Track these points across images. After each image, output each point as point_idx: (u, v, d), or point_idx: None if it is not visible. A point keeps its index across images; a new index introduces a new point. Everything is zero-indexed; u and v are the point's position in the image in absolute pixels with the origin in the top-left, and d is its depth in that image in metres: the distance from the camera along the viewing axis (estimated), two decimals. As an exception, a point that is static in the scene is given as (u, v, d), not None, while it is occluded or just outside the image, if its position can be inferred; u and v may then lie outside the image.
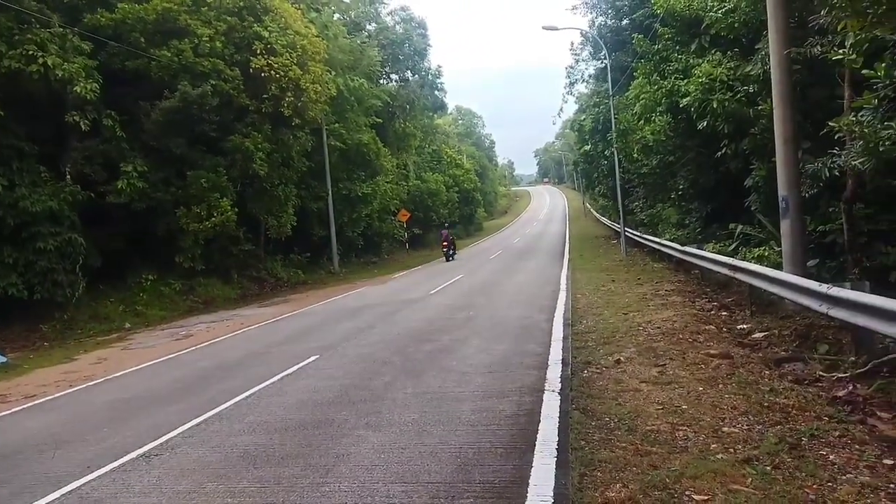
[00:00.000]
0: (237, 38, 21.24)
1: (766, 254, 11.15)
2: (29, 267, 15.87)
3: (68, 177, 17.50)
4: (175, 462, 5.49)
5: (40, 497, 4.93)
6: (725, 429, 5.05)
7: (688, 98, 13.71)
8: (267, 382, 8.22)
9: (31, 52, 15.19)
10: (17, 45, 15.16)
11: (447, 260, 31.22)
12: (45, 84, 15.71)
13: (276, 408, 6.96)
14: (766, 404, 5.54)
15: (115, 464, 5.58)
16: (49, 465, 5.81)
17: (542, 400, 6.19)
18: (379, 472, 4.76)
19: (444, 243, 32.27)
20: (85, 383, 9.94)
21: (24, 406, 8.78)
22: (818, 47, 9.10)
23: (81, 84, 16.00)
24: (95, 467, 5.53)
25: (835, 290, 6.27)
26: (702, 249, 13.60)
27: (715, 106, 12.72)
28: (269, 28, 21.45)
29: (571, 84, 41.19)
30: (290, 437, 5.86)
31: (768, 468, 4.23)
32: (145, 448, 5.94)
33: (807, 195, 9.55)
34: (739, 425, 5.11)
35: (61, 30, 16.45)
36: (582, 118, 36.83)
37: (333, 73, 26.78)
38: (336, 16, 33.03)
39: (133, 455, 5.78)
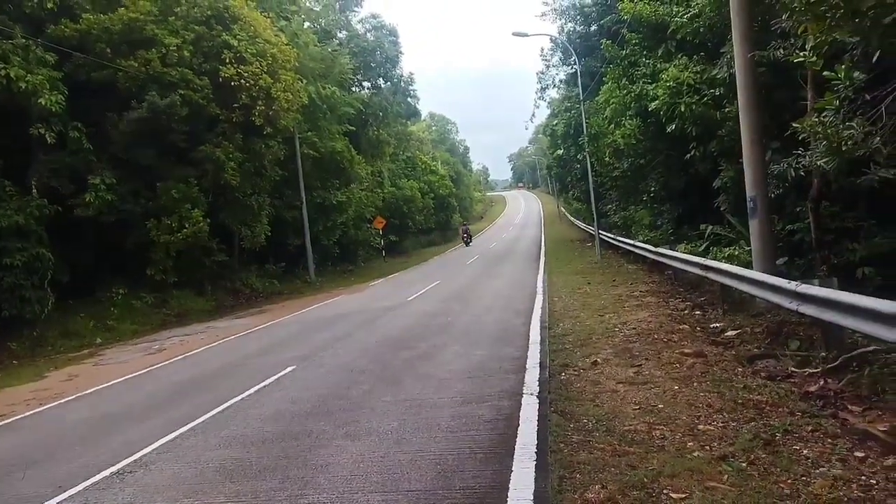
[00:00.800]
0: (206, 47, 21.02)
1: (737, 253, 11.35)
2: (-5, 284, 15.46)
3: (34, 191, 17.11)
4: (149, 479, 5.38)
5: (9, 520, 4.79)
6: (701, 426, 5.12)
7: (656, 102, 13.92)
8: (243, 395, 8.11)
9: (-8, 65, 14.91)
10: (-23, 58, 14.87)
11: (466, 245, 46.44)
12: (8, 96, 15.38)
13: (252, 420, 6.86)
14: (740, 401, 5.62)
15: (88, 482, 5.45)
16: (19, 487, 5.65)
17: (521, 404, 6.21)
18: (358, 481, 4.72)
19: (465, 235, 49.20)
20: (55, 401, 9.70)
21: (-9, 427, 8.54)
22: (781, 50, 9.31)
23: (46, 96, 15.71)
24: (67, 487, 5.39)
25: (803, 288, 6.40)
26: (674, 250, 13.79)
27: (683, 109, 12.95)
28: (238, 37, 21.26)
29: (543, 89, 41.48)
30: (267, 449, 5.78)
31: (744, 464, 4.29)
32: (118, 465, 5.81)
33: (774, 195, 9.76)
34: (715, 423, 5.18)
35: (24, 41, 16.13)
36: (554, 123, 37.15)
37: (305, 81, 26.61)
38: (306, 24, 32.90)
39: (106, 473, 5.65)
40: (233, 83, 20.71)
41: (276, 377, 8.98)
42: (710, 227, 13.65)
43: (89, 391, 10.17)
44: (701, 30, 12.77)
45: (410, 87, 48.72)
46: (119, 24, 18.87)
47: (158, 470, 5.59)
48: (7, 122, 16.53)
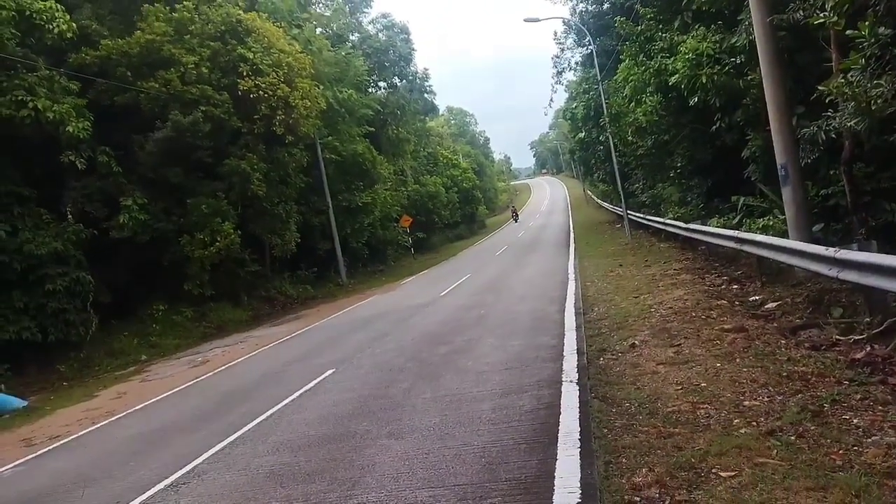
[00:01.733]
0: (222, 62, 21.32)
1: (771, 223, 11.10)
2: (40, 309, 15.96)
3: (70, 216, 17.60)
4: (203, 489, 5.52)
5: (73, 537, 4.97)
6: (746, 402, 5.05)
7: (676, 75, 13.67)
8: (286, 400, 8.26)
9: (20, 98, 15.29)
10: (5, 92, 15.27)
11: (515, 222, 57.66)
12: (38, 127, 15.81)
13: (297, 425, 6.99)
14: (784, 374, 5.52)
15: (144, 496, 5.62)
16: (79, 505, 5.85)
17: (561, 392, 6.20)
18: (405, 479, 4.77)
19: (513, 213, 62.67)
20: (107, 419, 10.00)
21: (50, 447, 8.83)
22: (801, 12, 9.05)
23: (73, 123, 16.10)
24: (125, 502, 5.56)
25: (842, 253, 6.25)
26: (706, 225, 13.56)
27: (704, 80, 12.68)
28: (252, 49, 21.51)
29: (559, 73, 41.11)
30: (314, 453, 5.88)
31: (793, 438, 4.22)
32: (172, 478, 5.98)
33: (807, 161, 9.51)
34: (760, 398, 5.10)
35: (48, 72, 16.55)
36: (573, 106, 36.76)
37: (321, 86, 26.81)
38: (318, 30, 33.09)
39: (161, 486, 5.82)
40: (252, 95, 20.98)
41: (316, 381, 9.11)
42: (742, 198, 13.38)
43: (139, 407, 10.46)
44: (717, -2, 12.48)
45: (426, 84, 48.77)
46: (137, 46, 19.25)
47: (211, 479, 5.74)
48: (38, 152, 17.02)
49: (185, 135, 19.28)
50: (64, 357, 16.64)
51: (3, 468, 8.04)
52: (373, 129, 34.54)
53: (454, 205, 55.49)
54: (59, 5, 16.23)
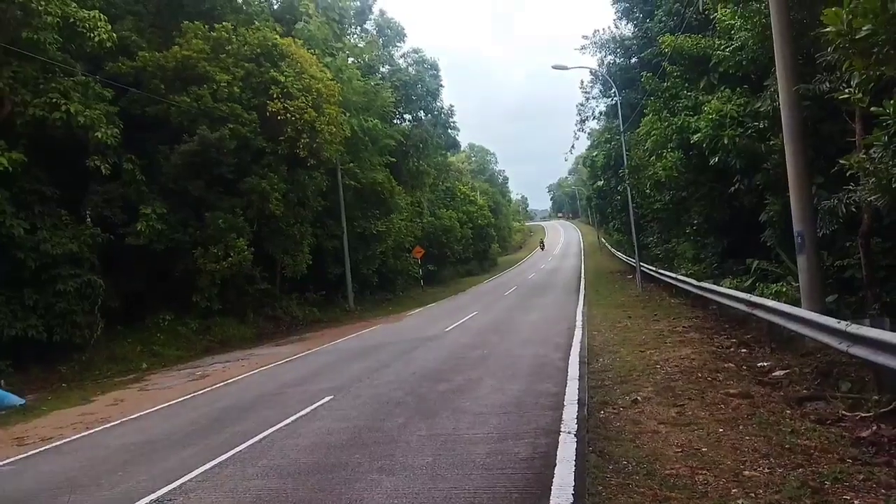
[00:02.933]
0: (254, 82, 21.81)
1: (784, 289, 11.02)
2: (49, 309, 16.07)
3: (88, 220, 17.86)
4: (188, 508, 5.45)
5: (53, 544, 4.91)
6: (746, 472, 4.94)
7: (699, 134, 13.78)
8: (281, 424, 8.19)
9: (54, 100, 15.68)
10: (41, 94, 15.67)
11: (542, 249, 66.41)
12: (68, 130, 16.16)
13: (289, 450, 6.92)
14: (787, 446, 5.42)
15: (129, 510, 5.55)
16: (63, 511, 5.80)
17: (559, 442, 6.10)
18: (392, 518, 4.69)
19: (541, 244, 68.84)
20: (101, 425, 9.96)
21: (41, 449, 8.80)
22: (826, 84, 9.15)
23: (102, 130, 16.44)
24: (109, 513, 5.50)
25: (854, 328, 6.18)
26: (719, 285, 13.48)
27: (726, 142, 12.77)
28: (285, 73, 22.01)
29: (583, 121, 41.50)
30: (302, 481, 5.81)
31: (791, 514, 4.12)
32: (158, 493, 5.91)
33: (825, 231, 9.46)
34: (760, 468, 4.99)
35: (84, 78, 17.01)
36: (594, 154, 37.07)
37: (348, 114, 27.30)
38: (350, 59, 33.82)
39: (146, 500, 5.75)
40: (279, 117, 21.38)
41: (312, 407, 9.05)
42: (757, 261, 13.31)
43: (134, 416, 10.42)
44: (744, 62, 12.66)
45: (450, 119, 49.56)
46: (173, 61, 19.78)
47: (197, 499, 5.67)
48: (65, 154, 17.37)
49: (210, 150, 19.63)
50: (66, 358, 16.67)
51: (-7, 466, 8.00)
52: (394, 159, 34.96)
53: (467, 240, 55.62)
54: (102, 15, 16.74)
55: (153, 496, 5.85)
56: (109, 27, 16.87)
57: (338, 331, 21.53)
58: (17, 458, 8.40)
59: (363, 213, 31.84)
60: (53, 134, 16.24)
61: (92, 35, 16.33)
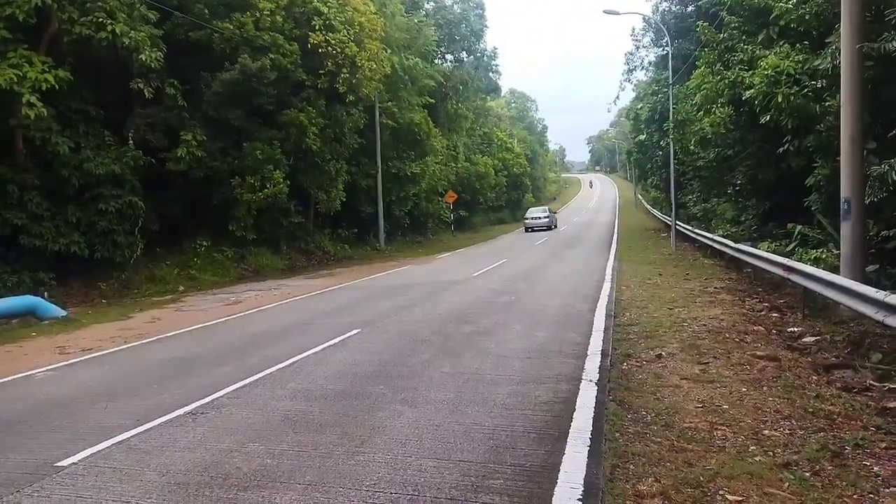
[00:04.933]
0: (297, 13, 21.50)
1: (824, 256, 10.74)
2: (91, 227, 16.61)
3: (131, 142, 18.17)
4: (220, 421, 5.72)
5: (93, 445, 5.21)
6: (766, 432, 4.95)
7: (751, 90, 13.21)
8: (309, 352, 8.44)
9: (100, 20, 15.69)
10: (88, 13, 15.69)
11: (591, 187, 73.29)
12: (113, 51, 16.27)
13: (317, 377, 7.15)
14: (810, 410, 5.39)
15: (163, 419, 5.84)
16: (101, 416, 6.12)
17: (579, 389, 6.18)
18: (412, 446, 4.86)
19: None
20: (139, 340, 10.40)
21: (82, 358, 9.25)
22: (894, 43, 8.63)
23: (147, 52, 16.48)
24: (144, 421, 5.80)
25: (892, 298, 6.03)
26: (756, 248, 13.20)
27: (780, 100, 12.23)
28: (328, 4, 21.63)
29: (630, 71, 40.10)
30: (328, 405, 6.02)
31: (807, 474, 4.14)
32: (192, 406, 6.20)
33: (873, 199, 9.12)
34: (781, 429, 4.99)
35: (130, -1, 16.97)
36: (639, 106, 36.01)
37: (389, 51, 26.85)
38: (395, -7, 32.98)
39: (180, 412, 6.04)
40: (320, 50, 21.16)
41: (340, 338, 9.28)
42: (799, 226, 12.96)
43: (170, 334, 10.85)
44: (807, 17, 11.98)
45: (493, 62, 48.49)
46: (218, -15, 19.56)
47: (228, 413, 5.94)
48: (110, 75, 17.54)
49: (251, 79, 19.60)
50: (106, 276, 17.31)
51: (37, 371, 8.46)
52: (433, 100, 34.47)
53: (501, 188, 55.18)
54: (148, -65, 16.55)
55: (187, 408, 6.14)
56: (156, -53, 16.70)
57: (368, 268, 21.83)
58: (59, 364, 8.85)
59: (398, 154, 31.72)
60: (98, 54, 16.38)
61: (139, -46, 16.20)
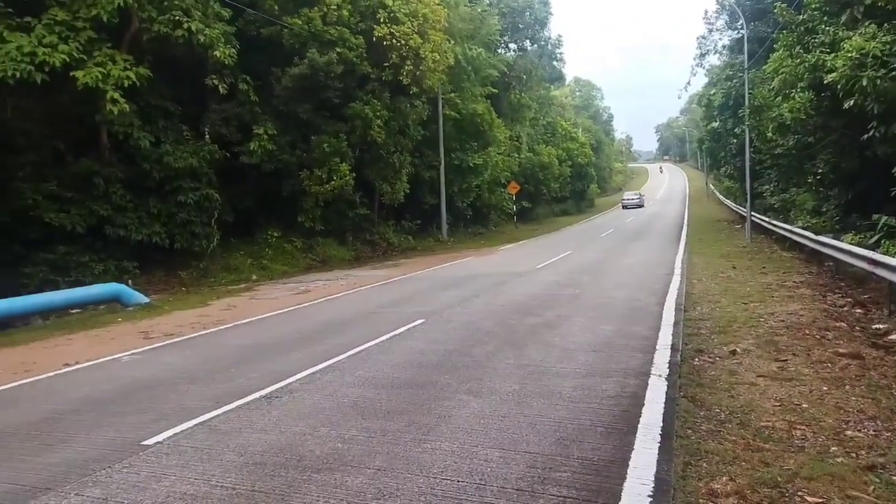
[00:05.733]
0: (363, 6, 21.81)
1: (914, 249, 10.10)
2: (171, 218, 17.45)
3: (207, 136, 18.94)
4: (293, 405, 5.94)
5: (176, 425, 5.51)
6: (849, 432, 4.72)
7: (834, 74, 12.49)
8: (376, 340, 8.62)
9: (177, 18, 16.32)
10: (165, 11, 16.34)
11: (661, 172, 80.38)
12: (189, 48, 16.93)
13: (383, 365, 7.30)
14: (898, 411, 5.10)
15: (240, 402, 6.11)
16: (183, 398, 6.46)
17: (648, 384, 6.06)
18: (478, 436, 4.90)
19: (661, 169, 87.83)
20: (217, 327, 10.88)
21: (164, 343, 9.76)
22: None
23: (221, 49, 17.08)
24: (223, 403, 6.08)
25: None
26: (839, 240, 12.54)
27: (865, 84, 11.52)
28: (393, -4, 21.82)
29: (702, 56, 38.72)
30: (395, 393, 6.14)
31: (895, 478, 3.93)
32: (267, 390, 6.46)
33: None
34: (865, 430, 4.75)
35: (204, -3, 17.61)
36: (711, 92, 34.62)
37: (452, 41, 26.84)
38: (459, -17, 32.91)
39: (256, 395, 6.30)
40: (385, 42, 21.40)
41: (406, 328, 9.43)
42: (885, 217, 12.21)
43: (245, 321, 11.30)
44: (898, -7, 11.21)
45: (557, 51, 47.78)
46: (287, -19, 20.09)
47: (301, 398, 6.15)
48: (187, 73, 18.33)
49: (318, 73, 20.05)
50: (186, 265, 18.18)
51: (123, 354, 8.99)
52: (496, 90, 34.29)
53: (565, 179, 54.35)
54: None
55: (262, 392, 6.40)
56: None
57: (431, 259, 22.03)
58: (143, 349, 9.38)
59: (461, 145, 31.74)
60: (175, 51, 17.08)
61: (212, -46, 16.79)
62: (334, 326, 10.15)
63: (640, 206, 55.84)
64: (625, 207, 55.95)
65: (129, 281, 15.66)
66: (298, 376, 6.93)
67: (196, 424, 5.52)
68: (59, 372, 8.10)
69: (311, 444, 4.87)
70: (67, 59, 13.82)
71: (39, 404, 6.60)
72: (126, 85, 14.90)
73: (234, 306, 13.42)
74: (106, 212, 16.07)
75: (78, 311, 13.40)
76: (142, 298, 14.07)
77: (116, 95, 14.70)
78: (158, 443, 5.13)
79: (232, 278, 18.33)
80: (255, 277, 18.62)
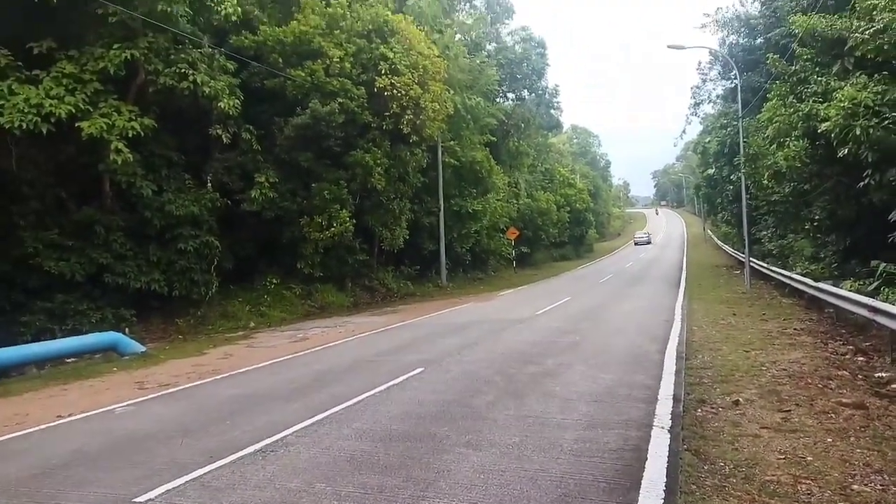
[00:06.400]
0: (364, 58, 22.34)
1: (914, 297, 10.08)
2: (170, 265, 17.45)
3: (209, 185, 19.12)
4: (288, 460, 5.82)
5: (168, 481, 5.38)
6: (856, 486, 4.62)
7: (828, 123, 12.74)
8: (374, 390, 8.51)
9: (183, 71, 16.71)
10: (171, 64, 16.75)
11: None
12: (194, 100, 17.27)
13: (381, 416, 7.19)
14: (906, 465, 5.00)
15: (235, 456, 5.99)
16: (176, 452, 6.33)
17: (650, 436, 5.96)
18: (478, 492, 4.79)
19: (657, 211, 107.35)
20: (212, 377, 10.75)
21: (159, 394, 9.62)
22: None
23: (225, 100, 17.42)
24: (217, 458, 5.96)
25: None
26: (838, 287, 12.54)
27: (858, 132, 11.75)
28: (394, 49, 22.38)
29: (697, 104, 39.43)
30: (393, 446, 6.03)
31: (907, 538, 3.82)
32: (262, 443, 6.34)
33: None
34: (872, 484, 4.66)
35: (210, 50, 18.05)
36: (707, 140, 35.21)
37: (452, 91, 27.41)
38: (458, 36, 33.85)
39: (251, 449, 6.18)
40: (386, 93, 21.82)
41: (404, 377, 9.32)
42: (884, 264, 12.23)
43: (242, 370, 11.17)
44: (885, 47, 11.56)
45: (554, 100, 48.79)
46: (291, 36, 20.65)
47: (297, 452, 6.03)
48: (191, 123, 18.64)
49: (320, 123, 20.41)
50: (184, 312, 18.09)
51: (117, 405, 8.85)
52: (494, 138, 34.84)
53: (564, 224, 54.64)
54: (229, -11, 17.63)
55: (257, 446, 6.28)
56: (235, 1, 17.72)
57: (430, 305, 21.95)
58: (137, 399, 9.23)
59: (460, 192, 32.04)
60: (181, 102, 17.41)
61: (219, 9, 17.26)
62: (332, 375, 10.04)
63: (649, 242, 67.82)
64: (636, 244, 68.37)
65: (126, 329, 15.56)
66: (294, 428, 6.81)
67: (189, 481, 5.39)
68: (51, 424, 7.96)
69: (307, 502, 4.75)
70: (73, 110, 14.09)
71: (30, 459, 6.47)
72: (130, 135, 15.13)
73: (231, 355, 13.30)
74: (106, 259, 16.08)
75: (74, 359, 13.27)
76: (138, 347, 13.95)
77: (121, 145, 14.91)
78: (150, 500, 5.00)
79: (230, 326, 18.22)
80: (252, 324, 18.51)
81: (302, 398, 8.43)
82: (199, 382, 10.33)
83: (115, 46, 15.29)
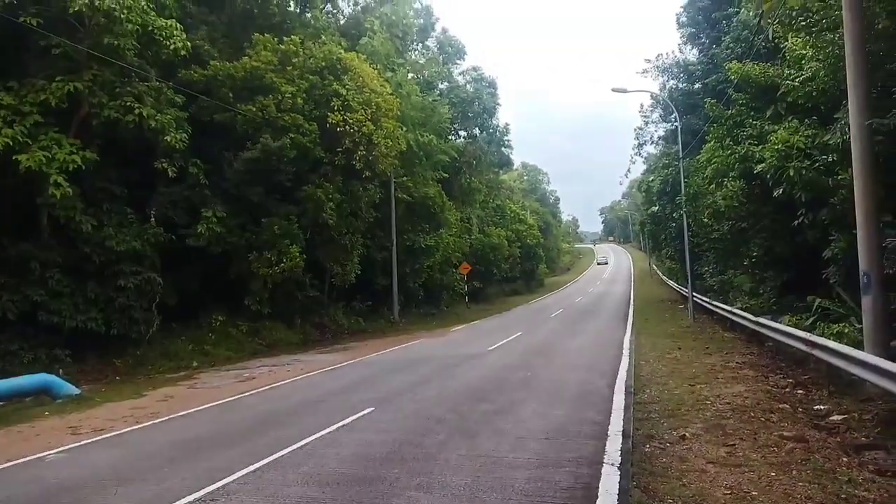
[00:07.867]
0: (317, 95, 22.37)
1: (846, 330, 10.56)
2: (109, 303, 16.73)
3: (153, 219, 18.55)
4: (229, 509, 5.55)
5: (101, 534, 5.06)
6: (799, 522, 4.71)
7: (763, 164, 13.40)
8: (322, 432, 8.27)
9: (128, 104, 16.34)
10: (117, 97, 16.37)
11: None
12: (139, 133, 16.87)
13: (329, 460, 6.97)
14: (843, 496, 5.16)
15: (173, 506, 5.69)
16: (110, 502, 5.97)
17: (601, 473, 5.97)
18: (428, 537, 4.66)
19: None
20: (151, 420, 10.25)
21: (93, 439, 9.10)
22: (903, 118, 8.77)
23: (172, 134, 17.08)
24: (154, 508, 5.65)
25: (924, 378, 5.84)
26: (777, 321, 13.00)
27: (791, 174, 12.38)
28: (347, 86, 22.50)
29: (640, 145, 41.07)
30: (341, 491, 5.84)
31: (848, 572, 3.90)
32: (202, 492, 6.04)
33: (891, 272, 9.03)
34: (815, 519, 4.75)
35: (157, 84, 17.75)
36: (650, 179, 36.44)
37: (404, 128, 27.65)
38: (410, 75, 34.32)
39: (190, 498, 5.89)
40: (338, 129, 21.85)
41: (354, 417, 9.11)
42: (819, 299, 12.79)
43: (182, 413, 10.70)
44: (814, 93, 12.29)
45: (505, 138, 49.66)
46: (242, 71, 20.52)
47: (239, 501, 5.77)
48: (135, 156, 18.16)
49: (271, 158, 20.20)
50: (122, 352, 17.29)
51: (48, 453, 8.33)
52: (447, 174, 35.18)
53: (515, 259, 55.25)
54: (178, 24, 17.47)
55: (196, 495, 5.98)
56: (185, 36, 17.53)
57: (381, 342, 21.68)
58: (70, 446, 8.71)
59: (413, 227, 32.10)
60: (125, 136, 16.97)
61: (168, 43, 17.02)
62: (279, 417, 9.73)
63: (606, 262, 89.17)
64: (598, 264, 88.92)
65: (60, 370, 14.75)
66: (237, 475, 6.53)
67: (121, 534, 5.08)
68: (-28, 475, 7.41)
69: (248, 554, 4.53)
70: (11, 143, 13.57)
71: (-55, 515, 6.00)
72: (71, 168, 14.64)
73: (172, 396, 12.74)
74: (40, 297, 15.32)
75: (2, 403, 12.45)
76: (72, 390, 13.22)
77: (60, 179, 14.40)
78: (77, 557, 4.67)
79: (171, 365, 17.48)
80: (196, 364, 17.82)
81: (246, 442, 8.11)
82: (136, 427, 9.83)
83: (58, 79, 14.90)
